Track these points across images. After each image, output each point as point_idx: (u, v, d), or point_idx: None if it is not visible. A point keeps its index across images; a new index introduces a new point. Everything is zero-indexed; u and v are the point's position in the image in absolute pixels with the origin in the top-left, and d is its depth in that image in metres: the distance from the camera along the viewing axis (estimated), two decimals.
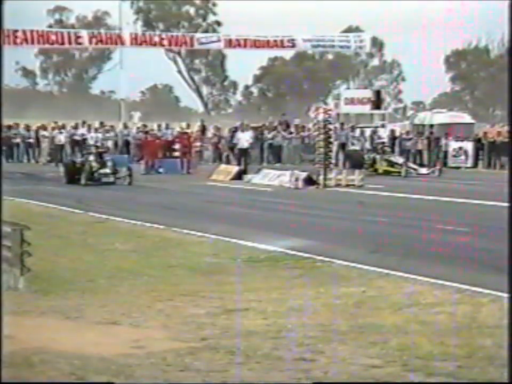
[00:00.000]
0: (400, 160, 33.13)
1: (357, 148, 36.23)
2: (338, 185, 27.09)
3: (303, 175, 27.34)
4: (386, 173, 32.16)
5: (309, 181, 27.22)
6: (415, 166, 33.27)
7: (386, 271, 11.07)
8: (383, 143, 35.05)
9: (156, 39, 37.70)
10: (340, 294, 9.63)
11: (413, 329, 7.88)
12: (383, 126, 38.26)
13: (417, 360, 6.74)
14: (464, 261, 12.24)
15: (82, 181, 26.94)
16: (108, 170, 27.60)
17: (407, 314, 8.54)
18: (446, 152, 38.01)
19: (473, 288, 9.82)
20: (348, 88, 63.59)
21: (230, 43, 37.88)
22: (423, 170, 32.52)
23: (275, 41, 37.22)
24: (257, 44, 37.08)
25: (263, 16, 72.28)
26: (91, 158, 27.72)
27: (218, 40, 38.80)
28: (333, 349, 7.17)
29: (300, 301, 9.26)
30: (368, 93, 40.55)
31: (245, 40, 36.82)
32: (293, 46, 38.50)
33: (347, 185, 26.98)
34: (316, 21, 67.13)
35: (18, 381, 6.13)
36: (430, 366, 6.56)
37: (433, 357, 6.83)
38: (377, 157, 33.08)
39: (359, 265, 11.54)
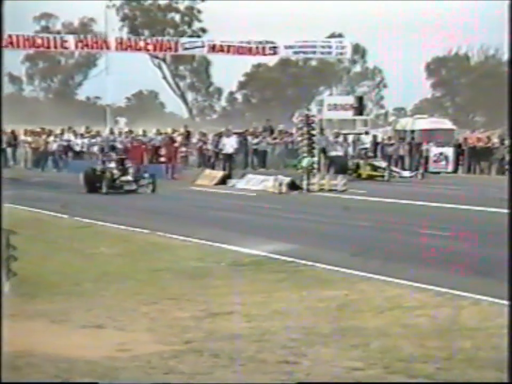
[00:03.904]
0: (383, 164, 33.22)
1: (340, 153, 36.15)
2: (321, 190, 27.15)
3: (287, 180, 27.38)
4: (370, 177, 32.27)
5: (293, 186, 27.27)
6: (397, 170, 33.48)
7: (368, 274, 11.10)
8: (366, 148, 35.18)
9: (141, 44, 37.73)
10: (323, 297, 9.65)
11: (394, 332, 7.90)
12: (366, 133, 38.32)
13: (398, 362, 6.76)
14: (445, 264, 12.28)
15: (104, 190, 25.64)
16: (129, 178, 26.14)
17: (389, 317, 8.56)
18: (427, 158, 38.13)
19: (454, 292, 9.86)
20: (331, 95, 63.74)
21: (213, 48, 38.02)
22: (406, 174, 32.84)
23: (257, 47, 37.40)
24: (240, 50, 37.29)
25: (248, 22, 72.36)
26: (111, 165, 26.35)
27: (202, 46, 38.91)
28: (316, 352, 7.18)
29: (284, 304, 9.27)
30: (350, 99, 40.57)
31: (228, 46, 36.97)
32: (275, 52, 38.69)
33: (330, 190, 27.04)
34: (300, 26, 67.29)
35: (18, 381, 6.11)
36: (411, 368, 6.59)
37: (414, 359, 6.85)
38: (361, 162, 33.15)
39: (342, 269, 11.56)
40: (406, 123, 43.95)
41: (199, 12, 74.43)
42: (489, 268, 11.89)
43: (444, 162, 37.67)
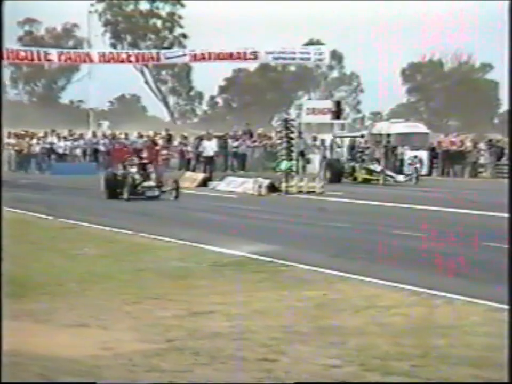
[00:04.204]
0: (378, 168, 32.43)
1: (336, 157, 35.49)
2: (299, 192, 27.20)
3: (266, 182, 27.43)
4: (366, 181, 31.82)
5: (272, 188, 27.32)
6: (392, 174, 32.39)
7: (346, 274, 11.14)
8: (362, 151, 34.34)
9: (123, 56, 37.77)
10: (302, 297, 9.68)
11: (370, 330, 7.94)
12: (362, 136, 38.25)
13: (374, 360, 6.80)
14: (421, 264, 12.35)
15: (125, 195, 23.79)
16: (152, 183, 24.29)
17: (366, 316, 8.60)
18: (402, 161, 38.29)
19: (428, 291, 9.91)
20: (309, 99, 63.87)
21: (195, 57, 38.07)
22: (401, 178, 31.97)
23: (238, 53, 37.43)
24: (220, 56, 37.33)
25: (228, 27, 72.38)
26: (133, 169, 24.43)
27: (184, 55, 38.97)
28: (295, 350, 7.21)
29: (264, 303, 9.29)
30: (328, 104, 40.71)
31: (209, 53, 36.98)
32: (255, 58, 38.75)
33: (308, 192, 27.10)
34: (279, 30, 67.31)
35: (18, 380, 6.10)
36: (387, 366, 6.63)
37: (390, 357, 6.89)
38: (357, 165, 32.62)
39: (321, 269, 11.60)
40: (382, 127, 44.04)
41: (180, 17, 74.38)
42: (461, 267, 11.97)
43: (418, 165, 37.82)
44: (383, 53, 69.75)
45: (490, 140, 41.43)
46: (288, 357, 6.95)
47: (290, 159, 28.24)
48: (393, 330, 7.91)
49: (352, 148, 38.39)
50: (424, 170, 37.66)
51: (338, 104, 40.55)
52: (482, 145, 39.75)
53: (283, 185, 27.52)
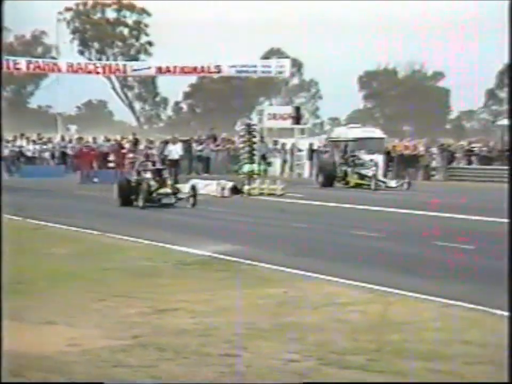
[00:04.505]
0: (369, 173, 30.97)
1: (329, 160, 34.31)
2: (261, 194, 27.24)
3: (229, 184, 27.45)
4: (358, 185, 30.62)
5: (235, 190, 27.35)
6: (384, 179, 30.94)
7: (306, 273, 11.19)
8: (354, 156, 32.77)
9: (91, 67, 37.71)
10: (264, 294, 9.69)
11: (329, 326, 7.97)
12: (355, 140, 38.11)
13: (332, 354, 6.83)
14: (377, 263, 12.43)
15: (140, 203, 21.71)
16: (168, 190, 22.22)
17: (324, 313, 8.63)
18: (358, 164, 38.48)
19: (384, 289, 9.98)
20: (271, 105, 64.01)
21: (160, 70, 38.15)
22: (392, 184, 30.39)
23: (202, 67, 37.58)
24: (185, 70, 37.51)
25: (193, 34, 72.33)
26: (148, 175, 22.51)
27: (150, 68, 39.02)
28: (256, 345, 7.21)
29: (227, 301, 9.29)
30: (288, 109, 40.88)
31: (174, 67, 37.07)
32: (219, 71, 38.99)
33: (269, 194, 27.14)
34: (241, 39, 67.38)
35: (18, 380, 6.03)
36: (343, 360, 6.66)
37: (347, 352, 6.92)
38: (349, 170, 31.42)
39: (282, 268, 11.65)
40: (340, 132, 44.30)
41: (146, 26, 74.16)
42: (415, 265, 12.07)
43: (374, 168, 38.06)
44: (341, 60, 70.22)
45: (442, 144, 41.99)
46: (250, 352, 6.96)
47: (252, 162, 28.31)
48: (350, 326, 7.95)
49: (344, 152, 38.43)
50: (379, 174, 37.86)
51: (298, 110, 40.72)
52: (434, 150, 40.27)
53: (245, 187, 27.56)
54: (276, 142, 41.24)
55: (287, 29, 69.98)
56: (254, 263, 12.13)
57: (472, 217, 19.02)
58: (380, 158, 38.37)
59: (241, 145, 29.33)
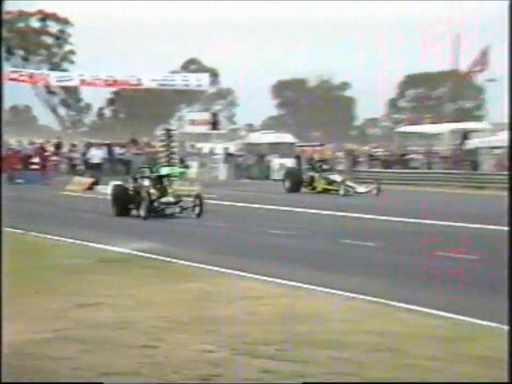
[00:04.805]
0: (338, 178, 28.99)
1: (295, 166, 32.81)
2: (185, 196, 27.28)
3: None
4: (325, 191, 28.72)
5: None
6: (353, 185, 28.50)
7: (222, 269, 11.25)
8: (322, 161, 31.13)
9: (15, 76, 37.10)
10: (182, 289, 9.70)
11: (242, 319, 8.01)
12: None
13: (244, 345, 6.86)
14: (288, 260, 12.55)
15: (142, 213, 18.83)
16: (171, 199, 19.36)
17: (238, 306, 8.68)
18: (268, 167, 39.04)
19: (292, 283, 10.10)
20: (191, 112, 63.98)
21: (83, 81, 37.93)
22: (361, 190, 28.00)
23: (123, 80, 37.51)
24: (107, 83, 37.36)
25: (114, 43, 71.62)
26: (146, 183, 19.69)
27: (73, 79, 38.71)
28: (174, 337, 7.20)
29: (148, 296, 9.24)
30: (207, 116, 40.95)
31: (97, 79, 36.86)
32: (139, 84, 38.99)
33: (188, 195, 27.12)
34: (159, 50, 67.01)
35: (18, 380, 5.84)
36: (255, 350, 6.70)
37: (258, 342, 6.97)
38: (316, 175, 29.39)
39: (199, 265, 11.69)
40: (254, 137, 44.63)
41: (69, 35, 73.18)
42: (322, 262, 12.24)
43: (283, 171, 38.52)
44: (255, 69, 70.70)
45: (347, 150, 42.95)
46: (167, 344, 6.94)
47: (170, 165, 28.34)
48: (262, 319, 8.01)
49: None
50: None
51: (215, 116, 40.82)
52: (340, 154, 41.20)
53: None
54: (193, 146, 41.30)
55: (204, 38, 70.08)
56: (174, 260, 12.12)
57: (380, 217, 19.36)
58: (290, 162, 38.95)
59: (161, 149, 29.28)
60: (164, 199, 19.25)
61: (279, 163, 39.05)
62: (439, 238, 15.14)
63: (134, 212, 19.40)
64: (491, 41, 45.08)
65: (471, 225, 17.05)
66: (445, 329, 7.52)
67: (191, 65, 76.74)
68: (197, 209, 19.16)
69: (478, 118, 56.26)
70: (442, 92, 69.32)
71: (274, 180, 36.23)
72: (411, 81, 75.94)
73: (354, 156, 40.99)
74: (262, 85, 74.40)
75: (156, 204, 19.08)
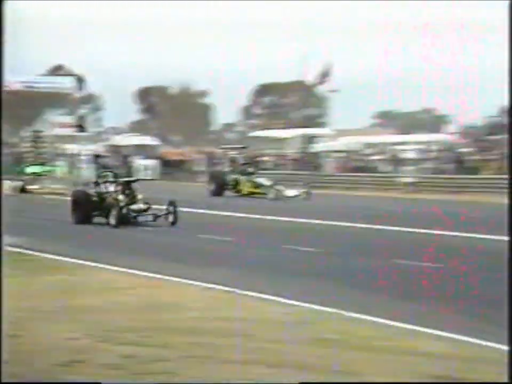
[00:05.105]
0: (267, 182, 26.46)
1: (220, 168, 30.43)
2: (46, 193, 26.92)
3: (20, 184, 27.17)
4: (251, 194, 26.29)
5: (23, 190, 27.03)
6: (281, 188, 26.02)
7: (86, 262, 11.12)
8: (246, 164, 28.40)
9: None
10: (50, 281, 9.51)
11: (107, 308, 7.94)
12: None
13: (109, 332, 6.80)
14: (152, 254, 12.53)
15: (112, 221, 16.17)
16: (142, 206, 16.64)
17: (104, 297, 8.59)
18: (130, 168, 38.97)
19: (152, 275, 10.11)
20: (59, 115, 62.43)
21: None
22: (291, 194, 25.57)
23: None
24: None
25: None
26: (111, 188, 16.98)
27: None
28: (40, 326, 7.05)
29: (14, 288, 8.97)
30: (74, 119, 40.28)
31: None
32: (8, 86, 38.12)
33: (54, 193, 26.77)
34: (23, 58, 64.87)
35: (18, 380, 5.40)
36: (119, 337, 6.64)
37: (122, 330, 6.92)
38: (241, 178, 26.81)
39: (64, 258, 11.54)
40: (119, 140, 44.19)
41: None
42: (182, 255, 12.30)
43: (149, 171, 38.40)
44: (121, 76, 69.96)
45: (206, 152, 43.51)
46: (33, 333, 6.79)
47: (36, 165, 27.99)
48: (126, 308, 7.97)
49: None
50: (152, 175, 38.08)
51: (81, 119, 40.17)
52: (198, 156, 41.87)
53: (30, 186, 27.17)
54: (58, 148, 40.68)
55: (71, 45, 68.50)
56: (38, 253, 11.94)
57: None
58: (151, 163, 39.01)
59: (28, 150, 28.77)
60: (134, 206, 16.62)
61: (142, 164, 38.97)
62: (283, 234, 15.55)
63: (96, 220, 16.93)
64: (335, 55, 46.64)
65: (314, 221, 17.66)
66: (290, 315, 7.75)
67: (59, 71, 74.78)
68: (171, 217, 16.56)
69: (322, 125, 58.10)
70: (292, 100, 71.09)
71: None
72: (264, 90, 77.29)
73: (211, 158, 41.65)
74: (127, 90, 73.73)
75: (124, 211, 16.44)
